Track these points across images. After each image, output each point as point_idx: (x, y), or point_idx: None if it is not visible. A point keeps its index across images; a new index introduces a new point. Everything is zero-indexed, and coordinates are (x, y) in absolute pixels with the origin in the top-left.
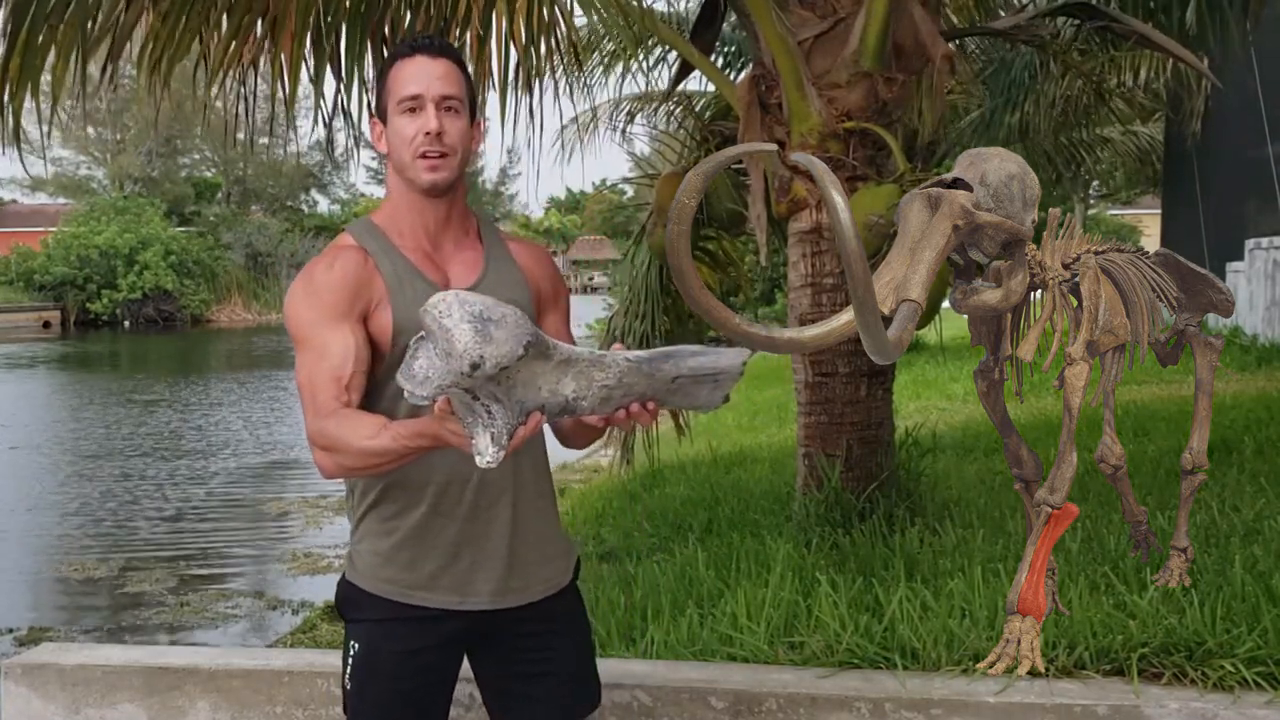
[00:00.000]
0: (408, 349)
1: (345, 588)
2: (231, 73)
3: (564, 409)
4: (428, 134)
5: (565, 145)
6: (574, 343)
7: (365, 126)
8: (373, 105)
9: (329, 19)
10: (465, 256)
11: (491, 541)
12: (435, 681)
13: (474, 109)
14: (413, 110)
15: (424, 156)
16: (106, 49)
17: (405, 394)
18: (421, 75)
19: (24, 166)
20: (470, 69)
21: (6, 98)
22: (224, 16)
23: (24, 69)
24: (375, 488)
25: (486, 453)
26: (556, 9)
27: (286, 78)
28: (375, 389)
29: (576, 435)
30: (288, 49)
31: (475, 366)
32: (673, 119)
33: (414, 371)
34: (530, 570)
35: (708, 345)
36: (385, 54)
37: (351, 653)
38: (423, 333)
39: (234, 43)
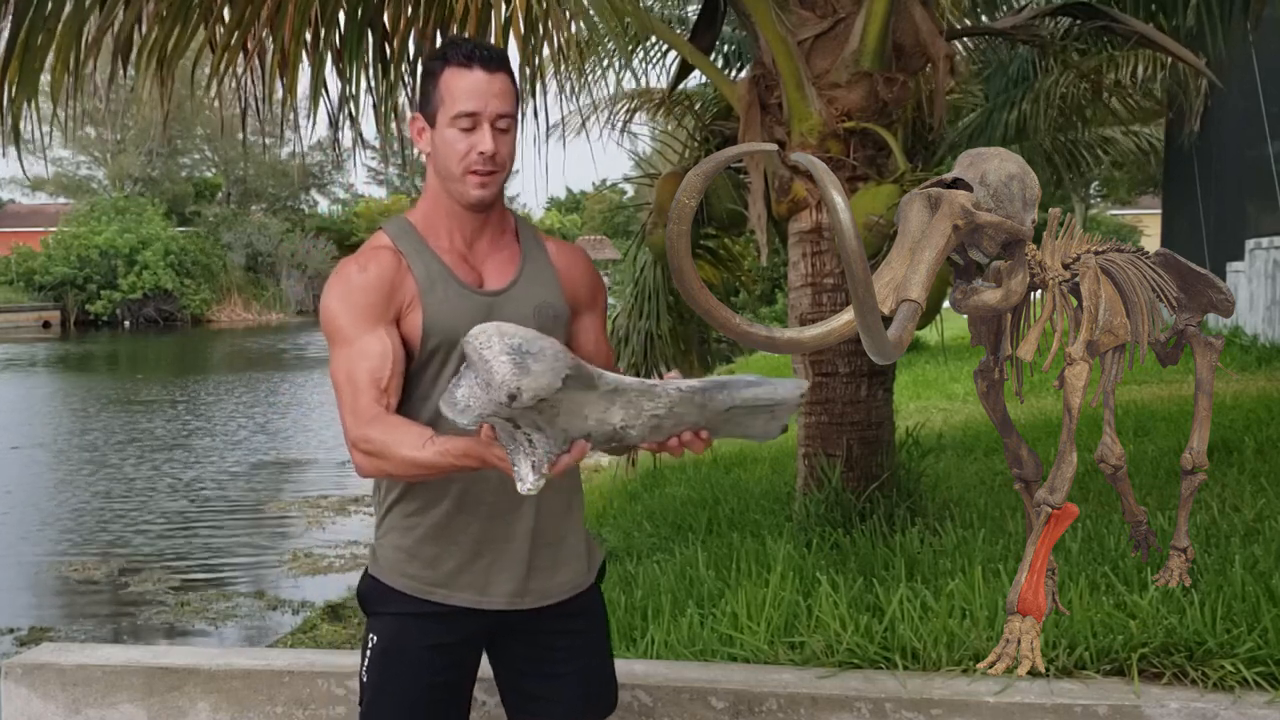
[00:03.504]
0: (454, 373)
1: (368, 581)
2: (232, 70)
3: (611, 437)
4: (482, 154)
5: (566, 145)
6: (608, 344)
7: (366, 126)
8: (415, 99)
9: (327, 15)
10: (501, 257)
11: (513, 543)
12: (454, 679)
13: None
14: (468, 129)
15: (474, 173)
16: (108, 51)
17: (447, 419)
18: (479, 92)
19: (22, 168)
20: None
21: (6, 100)
22: (224, 10)
23: (23, 72)
24: (400, 483)
25: (527, 479)
26: (552, 15)
27: (287, 76)
28: (404, 390)
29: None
30: (288, 45)
31: (513, 397)
32: (673, 119)
33: (456, 399)
34: (550, 573)
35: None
36: (387, 48)
37: (370, 645)
38: (466, 361)
39: (235, 35)
